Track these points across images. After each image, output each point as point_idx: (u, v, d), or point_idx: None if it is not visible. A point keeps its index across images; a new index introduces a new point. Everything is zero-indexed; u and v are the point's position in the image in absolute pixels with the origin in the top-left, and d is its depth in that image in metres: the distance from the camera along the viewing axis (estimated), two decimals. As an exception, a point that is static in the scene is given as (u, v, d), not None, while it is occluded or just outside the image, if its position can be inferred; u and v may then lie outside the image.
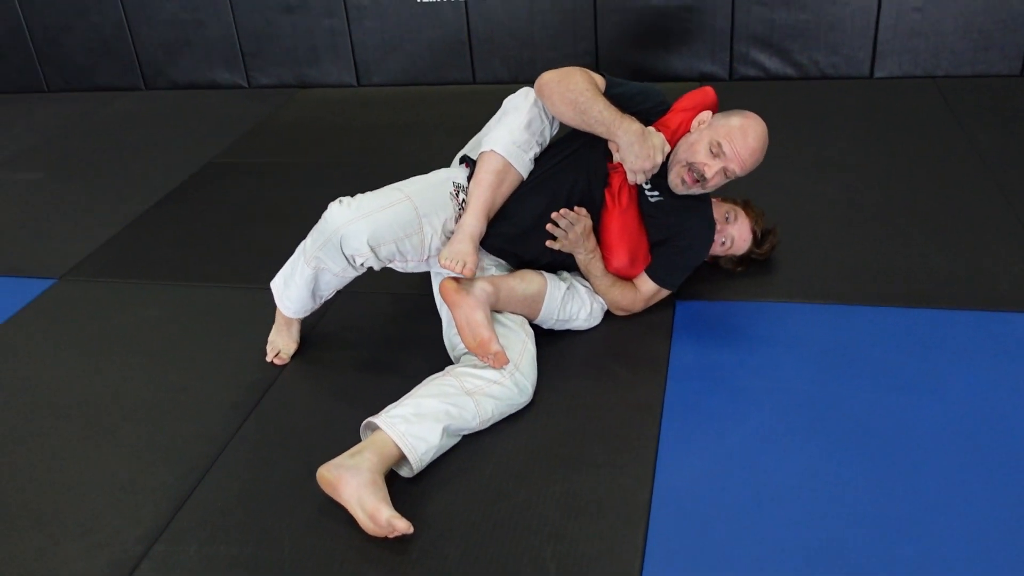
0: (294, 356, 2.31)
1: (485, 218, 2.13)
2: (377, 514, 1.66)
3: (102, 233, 3.10)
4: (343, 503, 1.72)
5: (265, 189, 3.37)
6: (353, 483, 1.71)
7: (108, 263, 2.90)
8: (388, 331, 2.39)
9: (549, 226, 2.15)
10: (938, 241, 2.59)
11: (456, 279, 2.08)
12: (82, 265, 2.89)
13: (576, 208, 2.16)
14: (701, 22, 3.98)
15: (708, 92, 2.22)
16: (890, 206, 2.82)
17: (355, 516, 1.70)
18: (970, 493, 1.70)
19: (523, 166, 2.17)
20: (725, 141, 2.09)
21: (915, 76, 3.90)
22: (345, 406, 2.10)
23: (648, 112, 2.19)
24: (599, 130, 2.08)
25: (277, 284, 2.24)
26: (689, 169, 2.13)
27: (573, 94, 2.07)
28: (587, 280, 2.30)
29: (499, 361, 1.98)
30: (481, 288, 2.08)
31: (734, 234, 2.39)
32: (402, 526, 1.65)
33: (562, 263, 2.29)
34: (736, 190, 2.43)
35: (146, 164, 3.72)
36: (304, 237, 2.14)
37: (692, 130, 2.17)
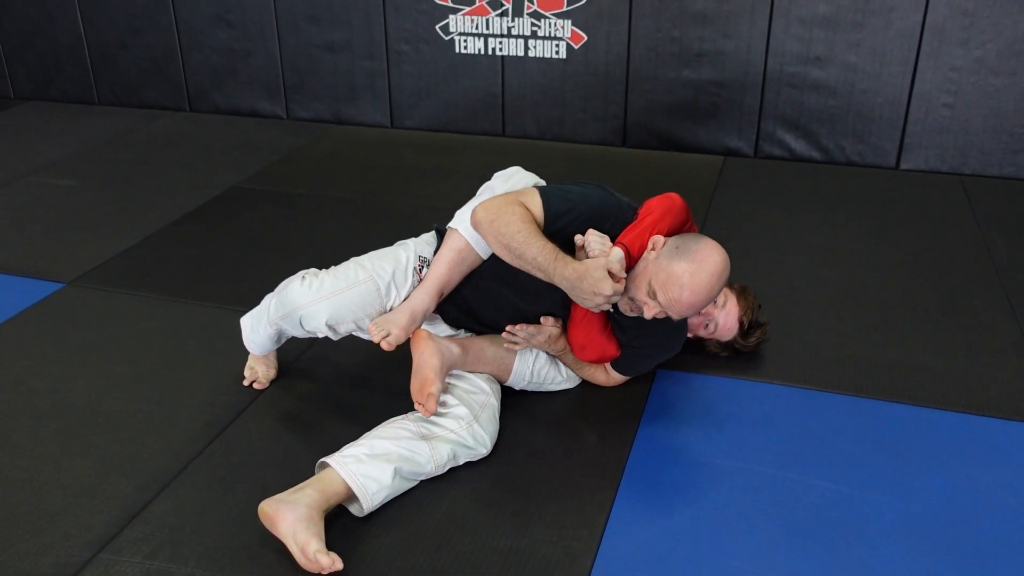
0: (274, 382, 2.35)
1: (437, 296, 2.13)
2: (307, 547, 1.68)
3: (118, 244, 3.20)
4: (280, 537, 1.74)
5: (282, 217, 3.45)
6: (290, 517, 1.72)
7: (117, 273, 2.98)
8: (369, 372, 2.41)
9: (505, 335, 2.13)
10: (933, 340, 2.56)
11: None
12: (92, 273, 2.98)
13: (543, 318, 2.14)
14: (731, 98, 4.02)
15: (674, 200, 2.07)
16: (891, 300, 2.80)
17: (291, 550, 1.71)
18: (916, 598, 1.66)
19: (484, 249, 2.12)
20: (660, 290, 1.91)
21: (941, 172, 3.89)
22: (311, 439, 2.12)
23: (612, 229, 2.02)
24: (537, 274, 1.96)
25: (245, 323, 2.28)
26: (631, 301, 2.01)
27: (506, 238, 1.95)
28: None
29: (428, 407, 1.96)
30: (448, 346, 2.09)
31: (719, 320, 2.32)
32: (326, 562, 1.66)
33: None
34: (735, 274, 2.44)
35: (174, 182, 3.84)
36: (311, 266, 2.18)
37: (644, 254, 1.99)
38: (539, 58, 4.20)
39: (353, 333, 2.16)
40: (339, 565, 1.67)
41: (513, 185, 2.20)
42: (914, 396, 2.28)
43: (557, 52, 4.17)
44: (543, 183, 2.23)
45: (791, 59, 3.87)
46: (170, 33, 4.72)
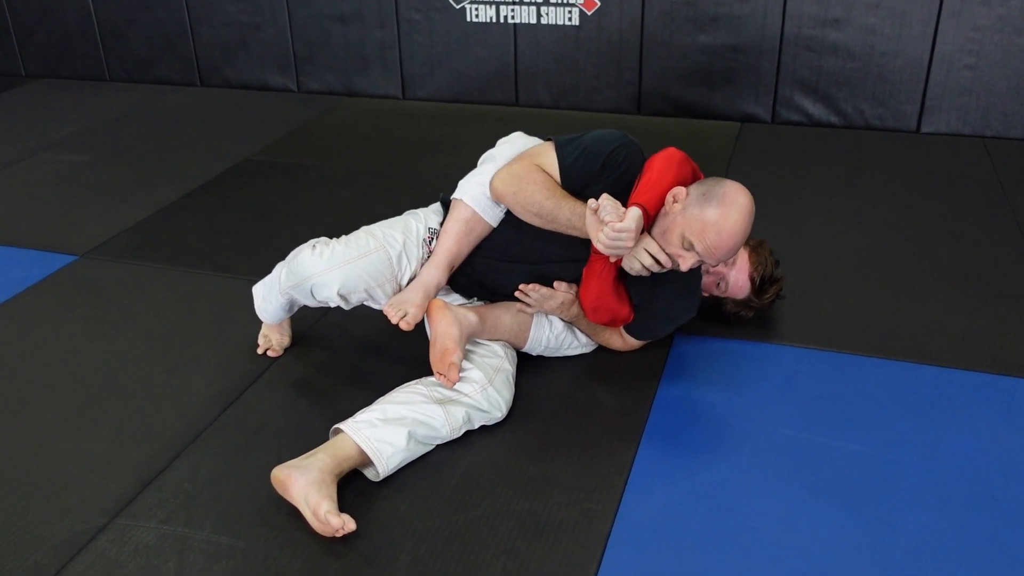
0: (288, 350, 2.33)
1: (448, 269, 2.10)
2: (318, 509, 1.66)
3: (130, 216, 3.18)
4: (293, 502, 1.73)
5: (296, 188, 3.42)
6: (302, 481, 1.71)
7: (130, 245, 2.97)
8: (384, 340, 2.39)
9: (519, 294, 2.10)
10: (958, 301, 2.50)
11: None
12: (105, 245, 2.97)
13: (556, 283, 2.10)
14: (747, 63, 3.95)
15: (672, 154, 2.00)
16: (915, 262, 2.74)
17: (304, 515, 1.70)
18: (947, 558, 1.63)
19: (493, 217, 2.10)
20: (697, 240, 1.87)
21: (963, 135, 3.81)
22: (325, 406, 2.10)
23: (621, 178, 2.01)
24: (574, 234, 1.98)
25: (257, 292, 2.26)
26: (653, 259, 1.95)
27: (535, 206, 1.97)
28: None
29: (450, 377, 1.93)
30: (465, 315, 2.06)
31: (730, 279, 2.27)
32: (336, 523, 1.64)
33: None
34: (754, 230, 2.39)
35: (186, 156, 3.81)
36: (324, 235, 2.15)
37: (666, 208, 1.94)
38: (552, 25, 4.14)
39: (365, 303, 2.13)
40: (351, 526, 1.66)
41: (518, 151, 2.15)
42: (940, 357, 2.23)
43: (570, 19, 4.10)
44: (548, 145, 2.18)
45: (808, 21, 3.79)
46: (180, 8, 4.69)
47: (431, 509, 1.78)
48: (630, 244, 1.87)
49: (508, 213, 2.13)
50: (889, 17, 3.68)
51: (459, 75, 4.39)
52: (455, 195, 2.14)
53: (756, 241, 2.36)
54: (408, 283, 2.11)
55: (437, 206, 2.24)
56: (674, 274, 2.02)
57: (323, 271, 2.01)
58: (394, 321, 2.01)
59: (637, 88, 4.14)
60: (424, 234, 2.14)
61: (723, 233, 1.87)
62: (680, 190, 1.93)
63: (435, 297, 2.09)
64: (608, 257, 1.97)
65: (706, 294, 2.34)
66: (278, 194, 3.39)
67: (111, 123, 4.31)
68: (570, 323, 2.21)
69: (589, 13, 4.07)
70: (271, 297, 2.18)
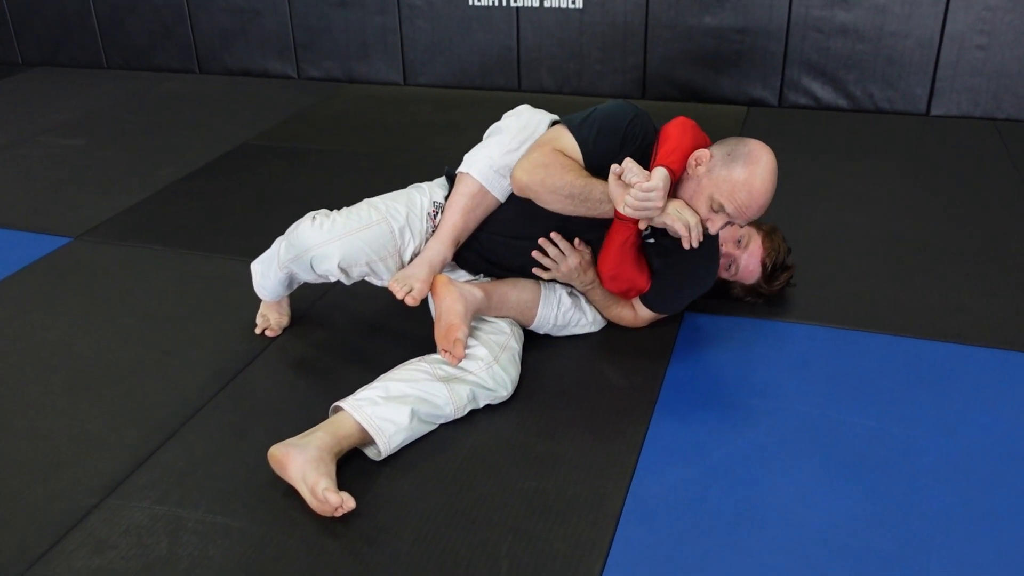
0: (287, 330, 2.27)
1: (453, 244, 2.04)
2: (316, 487, 1.60)
3: (126, 200, 3.12)
4: (290, 482, 1.66)
5: (295, 172, 3.36)
6: (299, 460, 1.65)
7: (125, 227, 2.91)
8: (385, 319, 2.33)
9: (536, 253, 2.03)
10: (973, 280, 2.44)
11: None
12: (99, 227, 2.90)
13: (576, 241, 2.03)
14: (754, 45, 3.88)
15: (685, 120, 1.96)
16: (928, 243, 2.68)
17: (302, 494, 1.64)
18: (971, 532, 1.56)
19: (501, 191, 2.04)
20: (727, 200, 1.83)
21: (974, 117, 3.74)
22: (325, 386, 2.04)
23: (639, 150, 1.94)
24: (602, 213, 1.91)
25: (256, 268, 2.19)
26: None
27: (565, 189, 1.88)
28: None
29: (456, 353, 1.88)
30: (471, 290, 2.00)
31: (741, 262, 2.22)
32: (335, 500, 1.58)
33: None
34: (763, 214, 2.33)
35: (184, 140, 3.75)
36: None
37: (689, 172, 1.89)
38: (555, 8, 4.07)
39: (366, 279, 2.07)
40: (351, 504, 1.59)
41: (525, 123, 2.09)
42: (956, 335, 2.17)
43: (573, 2, 4.03)
44: (554, 117, 2.13)
45: (817, 2, 3.72)
46: (177, -7, 4.62)
47: (435, 488, 1.71)
48: (659, 204, 1.81)
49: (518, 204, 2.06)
50: (899, -3, 3.62)
51: (461, 60, 4.33)
52: (461, 168, 2.07)
53: (769, 227, 2.31)
54: (411, 258, 2.05)
55: (442, 180, 2.17)
56: (694, 252, 1.95)
57: (323, 243, 1.94)
58: (399, 296, 1.94)
59: (642, 72, 4.07)
60: (429, 207, 2.08)
61: (753, 191, 1.83)
62: (703, 152, 1.88)
63: (440, 273, 2.03)
64: (631, 225, 1.91)
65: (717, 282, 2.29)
66: (276, 177, 3.32)
67: (108, 109, 4.25)
68: (582, 293, 2.15)
69: (593, -4, 4.00)
70: (270, 272, 2.12)
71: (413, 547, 1.57)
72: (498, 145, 2.06)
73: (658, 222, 1.88)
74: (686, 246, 1.86)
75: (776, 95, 3.95)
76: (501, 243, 2.09)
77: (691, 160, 1.89)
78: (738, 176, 1.83)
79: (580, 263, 2.04)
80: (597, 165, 1.94)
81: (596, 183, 1.89)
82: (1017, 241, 2.67)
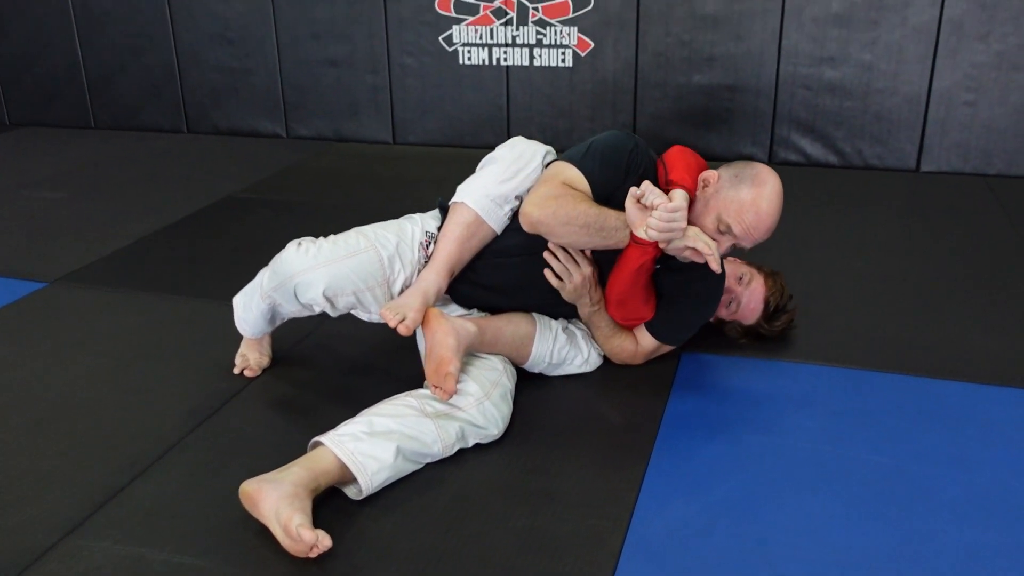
0: (267, 370, 2.16)
1: (448, 275, 1.96)
2: (289, 524, 1.47)
3: (105, 247, 3.04)
4: (262, 520, 1.54)
5: (281, 222, 3.29)
6: (273, 496, 1.53)
7: (102, 273, 2.82)
8: (369, 359, 2.23)
9: (547, 256, 1.97)
10: (976, 320, 2.38)
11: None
12: (77, 273, 2.81)
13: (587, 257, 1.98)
14: (743, 102, 3.89)
15: (684, 148, 1.96)
16: (927, 285, 2.62)
17: (274, 532, 1.51)
18: (995, 569, 1.45)
19: (497, 221, 1.98)
20: (735, 221, 1.82)
21: (964, 173, 3.74)
22: (306, 423, 1.92)
23: (641, 179, 1.87)
24: (615, 243, 1.85)
25: (237, 302, 2.11)
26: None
27: (579, 219, 1.81)
28: (588, 328, 2.12)
29: (448, 388, 1.77)
30: (463, 325, 1.91)
31: (743, 300, 2.17)
32: (309, 537, 1.45)
33: (552, 312, 2.10)
34: (762, 261, 2.29)
35: (167, 193, 3.69)
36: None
37: (696, 194, 1.88)
38: (545, 67, 4.09)
39: (354, 311, 1.98)
40: (327, 543, 1.47)
41: (520, 154, 2.05)
42: (963, 373, 2.09)
43: (563, 60, 4.06)
44: (548, 148, 2.09)
45: (805, 60, 3.75)
46: (168, 52, 4.63)
47: (420, 527, 1.59)
48: (683, 224, 1.77)
49: (513, 220, 2.00)
50: (885, 54, 3.65)
51: (451, 119, 4.33)
52: (455, 199, 2.01)
53: (771, 269, 2.27)
54: (401, 290, 1.96)
55: (435, 212, 2.11)
56: (702, 274, 1.91)
57: (308, 269, 1.86)
58: (392, 324, 1.84)
59: (632, 130, 4.07)
60: (421, 237, 2.01)
61: (761, 213, 1.81)
62: (711, 174, 1.88)
63: (434, 304, 1.94)
64: (649, 250, 1.84)
65: (711, 320, 2.22)
66: (261, 227, 3.25)
67: (91, 166, 4.20)
68: (586, 321, 2.07)
69: (583, 54, 4.03)
70: (252, 304, 2.02)
71: (396, 588, 1.45)
72: (493, 174, 2.00)
73: (676, 246, 1.81)
74: (715, 268, 1.78)
75: (766, 152, 3.94)
76: (495, 264, 2.02)
77: (699, 182, 1.88)
78: (745, 197, 1.81)
79: (584, 279, 1.96)
80: (603, 196, 1.89)
81: (610, 211, 1.84)
82: (1016, 282, 2.61)
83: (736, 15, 3.77)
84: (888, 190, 3.59)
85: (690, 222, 1.83)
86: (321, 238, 1.93)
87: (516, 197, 2.01)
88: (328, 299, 1.88)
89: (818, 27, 3.69)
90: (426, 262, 1.99)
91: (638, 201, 1.79)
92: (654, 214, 1.76)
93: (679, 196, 1.79)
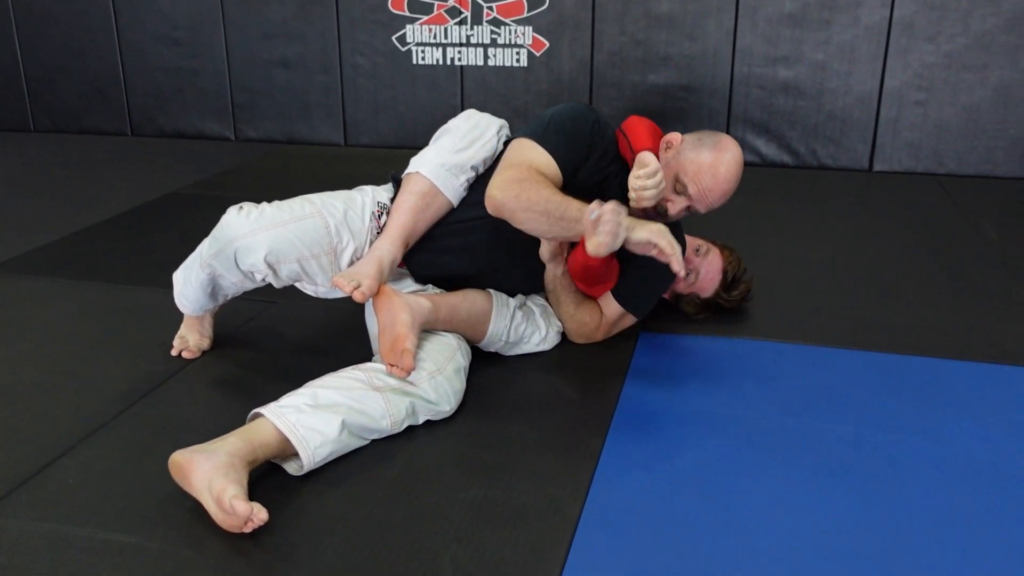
0: (208, 352, 2.05)
1: (403, 244, 1.88)
2: (222, 495, 1.37)
3: (40, 239, 2.90)
4: (193, 493, 1.43)
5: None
6: (206, 466, 1.42)
7: (38, 263, 2.68)
8: (316, 341, 2.14)
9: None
10: (936, 301, 2.36)
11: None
12: (9, 263, 2.67)
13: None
14: (698, 102, 3.89)
15: (642, 118, 1.95)
16: (885, 270, 2.61)
17: (206, 506, 1.40)
18: (965, 532, 1.40)
19: (453, 191, 1.92)
20: (692, 183, 1.81)
21: (916, 172, 3.76)
22: (245, 404, 1.78)
23: (606, 152, 1.91)
24: (579, 229, 1.69)
25: (177, 276, 2.00)
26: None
27: (542, 204, 1.72)
28: (550, 298, 2.05)
29: (405, 364, 1.68)
30: (417, 300, 1.83)
31: (701, 270, 2.14)
32: (243, 509, 1.35)
33: (509, 289, 2.03)
34: (715, 235, 2.25)
35: (108, 190, 3.56)
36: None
37: (661, 154, 1.88)
38: (500, 67, 4.06)
39: (298, 284, 1.88)
40: (263, 516, 1.36)
41: (475, 124, 2.00)
42: (923, 348, 2.06)
43: (518, 60, 4.03)
44: (502, 122, 2.04)
45: (759, 60, 3.77)
46: (113, 53, 4.51)
47: (366, 500, 1.50)
48: (661, 183, 1.78)
49: (471, 192, 1.94)
50: (838, 53, 3.68)
51: (404, 119, 4.26)
52: (409, 169, 1.94)
53: (724, 244, 2.25)
54: (349, 262, 1.87)
55: (388, 185, 2.03)
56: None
57: (249, 232, 1.76)
58: (347, 291, 1.75)
59: (587, 130, 4.03)
60: (372, 207, 1.92)
61: (718, 176, 1.81)
62: (674, 136, 1.89)
63: (390, 274, 1.86)
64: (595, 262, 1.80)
65: (667, 296, 2.20)
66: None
67: (31, 164, 4.05)
68: (552, 288, 2.01)
69: (537, 54, 4.00)
70: (192, 277, 1.91)
71: (339, 560, 1.35)
72: (448, 145, 1.94)
73: (639, 239, 1.67)
74: (676, 270, 1.66)
75: (721, 152, 3.93)
76: (450, 230, 1.95)
77: (662, 144, 1.89)
78: (705, 159, 1.81)
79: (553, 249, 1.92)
80: (569, 173, 1.85)
81: (572, 201, 1.74)
82: (972, 270, 2.61)
83: (691, 15, 3.77)
84: (842, 188, 3.60)
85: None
86: (264, 203, 1.84)
87: (472, 167, 1.94)
88: (270, 265, 1.78)
89: (771, 27, 3.71)
90: (379, 233, 1.90)
91: (596, 222, 1.67)
92: (631, 179, 1.75)
93: (649, 157, 1.78)
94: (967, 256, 2.73)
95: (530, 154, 1.84)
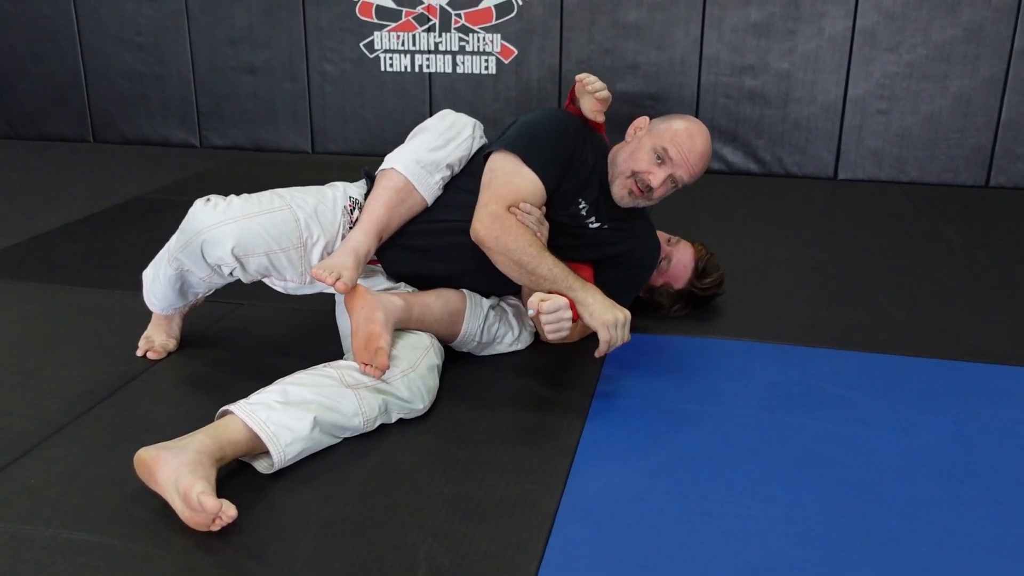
0: (174, 353, 2.01)
1: (376, 238, 1.86)
2: (189, 492, 1.33)
3: (0, 242, 2.83)
4: (159, 491, 1.39)
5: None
6: (172, 463, 1.38)
7: (-5, 266, 2.62)
8: (284, 341, 2.11)
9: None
10: (903, 302, 2.39)
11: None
12: (-35, 265, 2.61)
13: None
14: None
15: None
16: (851, 273, 2.64)
17: (172, 504, 1.37)
18: (943, 525, 1.41)
19: (427, 189, 1.90)
20: (671, 145, 1.85)
21: (880, 180, 3.82)
22: (213, 403, 1.73)
23: (584, 158, 1.94)
24: (545, 287, 1.77)
25: (147, 275, 1.96)
26: (634, 179, 1.90)
27: (516, 254, 1.76)
28: (524, 299, 2.04)
29: (379, 363, 1.66)
30: (390, 299, 1.81)
31: (673, 257, 2.18)
32: (211, 505, 1.31)
33: (483, 290, 2.01)
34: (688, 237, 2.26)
35: (70, 195, 3.49)
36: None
37: (628, 139, 1.96)
38: (468, 74, 4.05)
39: (266, 279, 1.85)
40: (231, 512, 1.33)
41: (451, 124, 1.99)
42: (896, 347, 2.08)
43: (487, 67, 4.03)
44: (476, 122, 2.05)
45: (725, 69, 3.80)
46: (74, 57, 4.43)
47: (338, 497, 1.47)
48: (568, 326, 1.75)
49: (445, 193, 1.94)
50: (802, 63, 3.72)
51: (372, 127, 4.24)
52: (384, 166, 1.92)
53: (694, 240, 2.26)
54: (320, 257, 1.85)
55: (361, 182, 2.01)
56: (638, 234, 2.03)
57: (216, 224, 1.73)
58: (329, 282, 1.71)
59: (556, 137, 4.04)
60: (344, 202, 1.90)
61: (694, 137, 1.87)
62: (642, 119, 1.97)
63: (363, 265, 1.83)
64: None
65: (643, 294, 2.21)
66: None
67: (-12, 171, 3.96)
68: (526, 291, 1.98)
69: (506, 62, 4.00)
70: (160, 273, 1.88)
71: (311, 557, 1.32)
72: (424, 142, 1.93)
73: (593, 327, 1.76)
74: (602, 351, 1.74)
75: (689, 160, 3.95)
76: (424, 229, 1.94)
77: (630, 129, 1.95)
78: (678, 126, 1.89)
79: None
80: (554, 189, 1.90)
81: (547, 258, 1.77)
82: (936, 272, 2.64)
83: (658, 24, 3.81)
84: (809, 196, 3.63)
85: (625, 161, 1.89)
86: (232, 195, 1.81)
87: (447, 166, 1.93)
88: (237, 258, 1.75)
89: (738, 36, 3.75)
90: (351, 228, 1.88)
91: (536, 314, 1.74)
92: (541, 317, 1.72)
93: (559, 301, 1.74)
94: (932, 261, 2.77)
95: (515, 180, 1.85)
